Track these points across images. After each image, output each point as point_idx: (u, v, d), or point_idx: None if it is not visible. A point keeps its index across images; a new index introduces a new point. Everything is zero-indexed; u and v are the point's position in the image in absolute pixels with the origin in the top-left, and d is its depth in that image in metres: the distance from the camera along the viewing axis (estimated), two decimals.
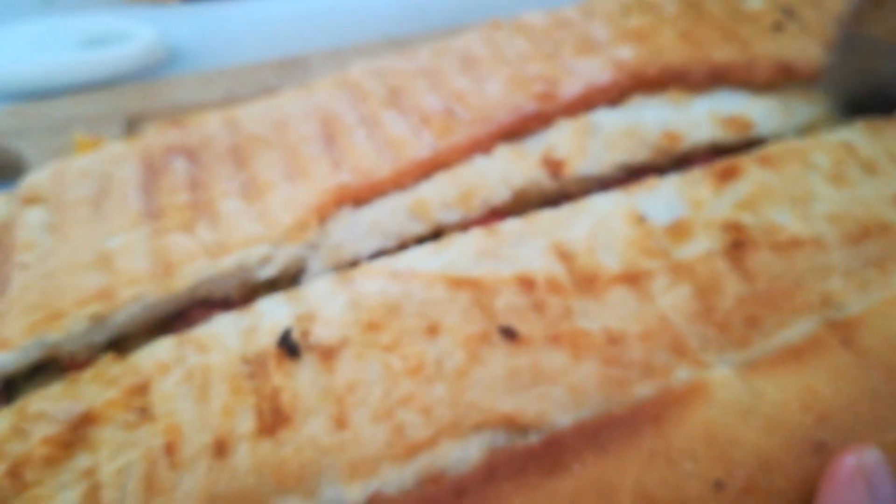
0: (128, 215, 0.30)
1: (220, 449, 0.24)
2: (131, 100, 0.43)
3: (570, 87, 0.34)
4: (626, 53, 0.35)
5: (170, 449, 0.24)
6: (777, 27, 0.36)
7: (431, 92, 0.34)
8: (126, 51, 0.45)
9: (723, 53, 0.35)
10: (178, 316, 0.29)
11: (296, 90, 0.36)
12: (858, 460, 0.24)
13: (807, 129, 0.34)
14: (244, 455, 0.24)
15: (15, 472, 0.24)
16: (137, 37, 0.45)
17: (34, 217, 0.31)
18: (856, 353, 0.26)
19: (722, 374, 0.26)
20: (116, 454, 0.24)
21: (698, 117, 0.33)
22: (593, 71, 0.34)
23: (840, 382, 0.26)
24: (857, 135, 0.32)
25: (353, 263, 0.29)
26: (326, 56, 0.46)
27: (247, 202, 0.30)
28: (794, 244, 0.28)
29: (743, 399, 0.25)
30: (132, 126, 0.42)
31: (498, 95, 0.34)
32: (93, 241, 0.29)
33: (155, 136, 0.34)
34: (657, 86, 0.34)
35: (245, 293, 0.29)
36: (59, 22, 0.47)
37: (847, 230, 0.29)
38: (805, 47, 0.35)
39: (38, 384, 0.27)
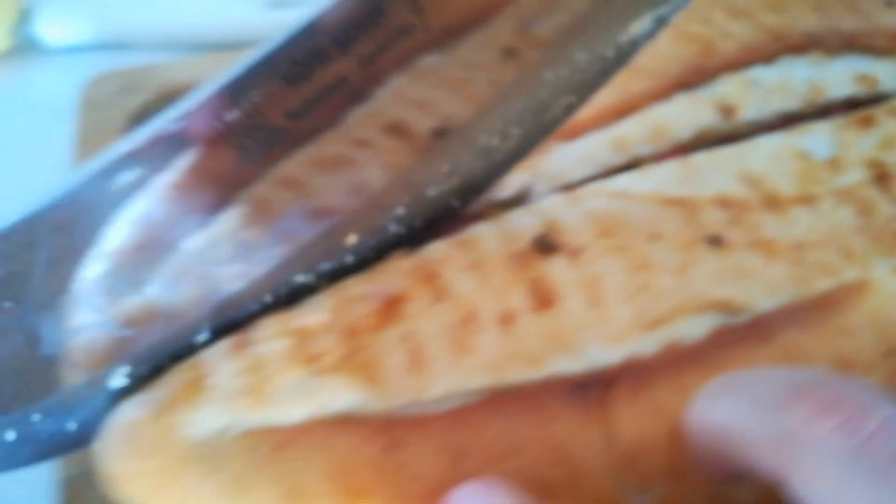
0: None
1: (505, 320, 0.31)
2: None
3: (729, 46, 0.41)
4: (771, 20, 0.42)
5: (467, 319, 0.31)
6: (889, 4, 0.44)
7: None
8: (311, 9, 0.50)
9: (849, 23, 0.42)
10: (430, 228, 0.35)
11: None
12: None
13: None
14: (524, 325, 0.31)
15: (350, 334, 0.31)
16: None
17: None
18: None
19: (880, 274, 0.33)
20: (428, 321, 0.31)
21: (835, 75, 0.40)
22: (746, 33, 0.41)
23: None
24: None
25: (568, 188, 0.36)
26: None
27: None
28: None
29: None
30: None
31: (668, 51, 0.40)
32: None
33: None
34: (799, 48, 0.41)
35: (482, 210, 0.36)
36: None
37: None
38: None
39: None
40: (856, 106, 0.40)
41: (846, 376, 0.23)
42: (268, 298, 0.31)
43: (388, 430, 0.29)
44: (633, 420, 0.30)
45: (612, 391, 0.30)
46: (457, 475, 0.28)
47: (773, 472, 0.21)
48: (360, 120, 0.30)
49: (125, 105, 0.47)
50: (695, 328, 0.31)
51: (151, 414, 0.29)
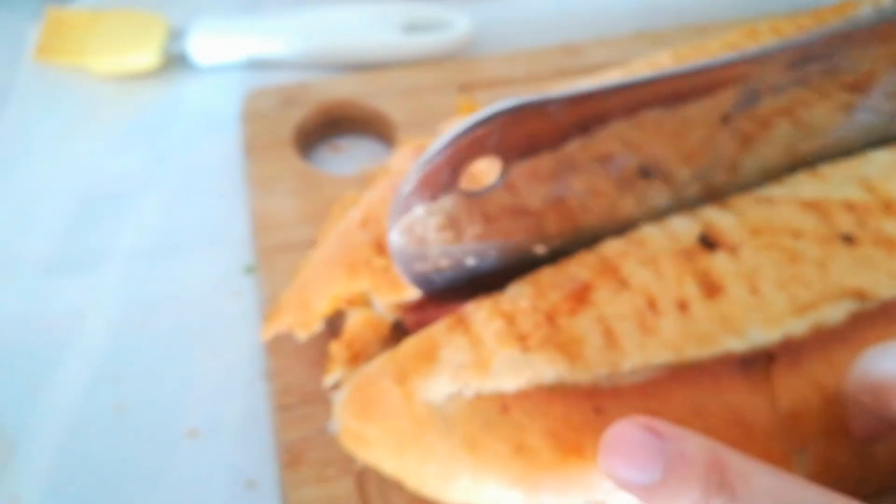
0: None
1: (682, 305, 0.36)
2: (455, 73, 0.55)
3: None
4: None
5: (650, 305, 0.36)
6: None
7: None
8: (445, 35, 0.56)
9: None
10: None
11: (617, 72, 0.48)
12: None
13: None
14: (698, 310, 0.36)
15: (549, 318, 0.36)
16: (455, 23, 0.57)
17: None
18: None
19: None
20: (615, 307, 0.36)
21: None
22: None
23: None
24: None
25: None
26: (597, 43, 0.58)
27: None
28: None
29: None
30: (461, 92, 0.54)
31: None
32: None
33: None
34: None
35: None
36: (383, 7, 0.58)
37: None
38: None
39: None
40: None
41: None
42: None
43: (592, 397, 0.34)
44: (792, 389, 0.35)
45: (772, 365, 0.35)
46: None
47: None
48: (576, 148, 0.35)
49: (289, 116, 0.52)
50: (836, 313, 0.37)
51: (393, 379, 0.34)
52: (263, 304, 0.44)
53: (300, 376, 0.39)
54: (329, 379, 0.37)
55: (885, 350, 0.32)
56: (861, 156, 0.43)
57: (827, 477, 0.35)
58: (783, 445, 0.34)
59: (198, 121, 0.56)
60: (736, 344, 0.36)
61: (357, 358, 0.37)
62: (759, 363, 0.35)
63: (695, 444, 0.27)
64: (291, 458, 0.37)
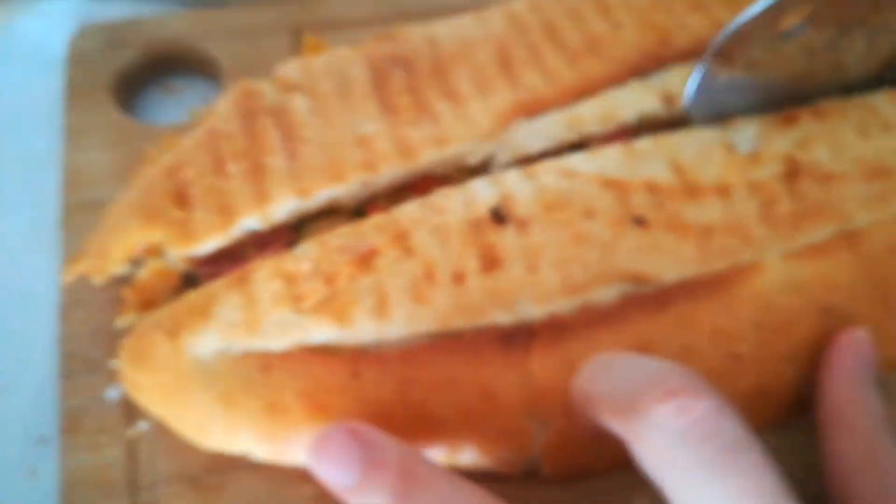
0: (370, 109, 0.42)
1: (458, 278, 0.38)
2: (292, 14, 0.53)
3: (683, 38, 0.46)
4: (724, 15, 0.46)
5: (428, 275, 0.38)
6: None
7: (577, 31, 0.46)
8: None
9: None
10: (410, 186, 0.42)
11: (470, 18, 0.47)
12: (854, 335, 0.38)
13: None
14: (473, 283, 0.38)
15: (329, 281, 0.38)
16: None
17: (299, 102, 0.43)
18: (856, 254, 0.41)
19: (772, 259, 0.40)
20: (394, 276, 0.38)
21: None
22: (700, 27, 0.46)
23: (845, 272, 0.40)
24: (882, 100, 0.45)
25: (527, 159, 0.42)
26: None
27: (454, 106, 0.43)
28: (828, 177, 0.42)
29: (783, 275, 0.40)
30: (295, 36, 0.53)
31: (630, 39, 0.45)
32: (350, 126, 0.41)
33: (373, 47, 0.45)
34: None
35: (454, 173, 0.42)
36: None
37: (863, 171, 0.42)
38: None
39: (318, 226, 0.41)
40: None
41: (687, 370, 0.30)
42: None
43: (353, 361, 0.36)
44: (546, 366, 0.37)
45: (533, 342, 0.37)
46: (404, 401, 0.36)
47: (623, 436, 0.29)
48: None
49: (113, 58, 0.50)
50: (608, 294, 0.38)
51: (165, 332, 0.36)
52: (63, 266, 0.43)
53: (85, 344, 0.41)
54: (120, 322, 0.39)
55: (598, 366, 0.33)
56: (686, 133, 0.43)
57: (563, 450, 0.38)
58: (526, 418, 0.37)
59: (26, 58, 0.54)
60: (503, 317, 0.38)
61: (148, 305, 0.39)
62: (521, 339, 0.38)
63: (392, 453, 0.30)
64: (70, 425, 0.39)
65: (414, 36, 0.46)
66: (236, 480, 0.38)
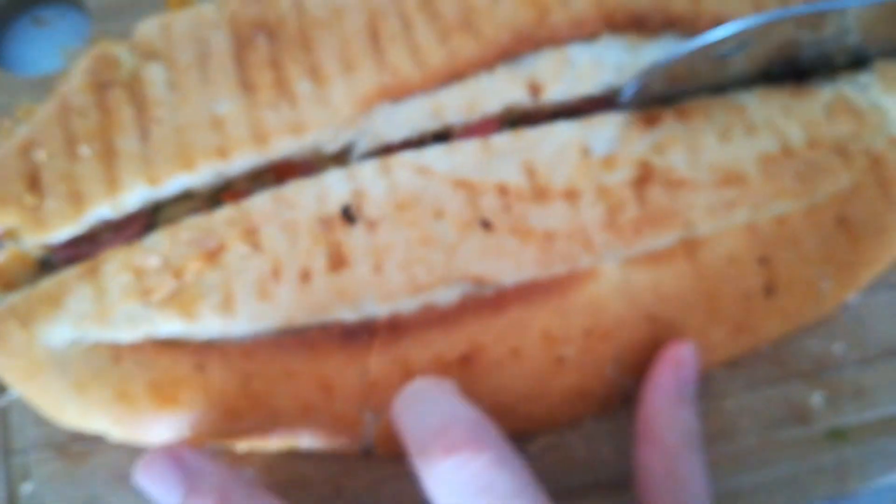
0: (229, 84, 0.42)
1: (305, 276, 0.40)
2: None
3: (561, 17, 0.45)
4: None
5: (274, 272, 0.40)
6: None
7: (455, 1, 0.45)
8: None
9: (679, 6, 0.46)
10: (266, 170, 0.42)
11: None
12: (678, 351, 0.40)
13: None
14: (319, 281, 0.40)
15: (177, 275, 0.39)
16: None
17: (157, 74, 0.42)
18: (693, 262, 0.43)
19: (609, 265, 0.42)
20: (240, 272, 0.40)
21: (642, 61, 0.45)
22: (580, 5, 0.45)
23: (678, 280, 0.43)
24: (752, 99, 0.45)
25: (388, 148, 0.43)
26: None
27: (315, 86, 0.42)
28: (679, 183, 0.43)
29: (619, 281, 0.42)
30: None
31: (506, 15, 0.44)
32: (206, 104, 0.41)
33: (238, 7, 0.43)
34: (622, 27, 0.45)
35: (312, 160, 0.43)
36: None
37: (717, 177, 0.43)
38: (736, 9, 0.47)
39: (173, 213, 0.42)
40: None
41: (476, 420, 0.33)
42: None
43: (199, 354, 0.39)
44: (382, 363, 0.40)
45: (373, 339, 0.40)
46: (246, 393, 0.39)
47: (420, 471, 0.33)
48: None
49: None
50: (449, 295, 0.41)
51: (19, 321, 0.38)
52: None
53: None
54: None
55: (409, 398, 0.36)
56: (545, 129, 0.43)
57: (393, 438, 0.42)
58: (359, 409, 0.40)
59: None
60: (347, 315, 0.40)
61: (6, 286, 0.40)
62: (362, 336, 0.40)
63: (211, 479, 0.33)
64: None
65: (281, 0, 0.44)
66: (101, 450, 0.41)
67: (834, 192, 0.45)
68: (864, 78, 0.47)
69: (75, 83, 0.41)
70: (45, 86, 0.44)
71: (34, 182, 0.40)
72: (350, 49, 0.43)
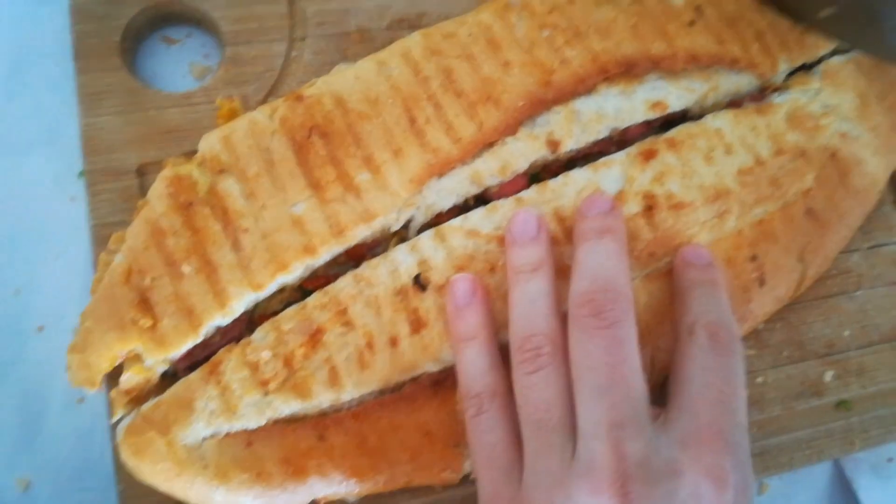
0: (298, 186, 0.47)
1: (393, 341, 0.46)
2: None
3: (563, 76, 0.51)
4: (598, 45, 0.52)
5: (368, 344, 0.46)
6: (691, 23, 0.54)
7: (472, 75, 0.51)
8: None
9: (658, 47, 0.53)
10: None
11: (371, 65, 0.50)
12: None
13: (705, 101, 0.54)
14: (405, 344, 0.46)
15: (287, 363, 0.45)
16: None
17: (232, 187, 0.46)
18: None
19: (634, 283, 0.50)
20: (340, 349, 0.46)
21: (636, 104, 0.52)
22: (577, 62, 0.51)
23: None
24: (726, 123, 0.53)
25: (439, 216, 0.49)
26: None
27: (373, 175, 0.48)
28: (679, 206, 0.51)
29: (641, 293, 0.50)
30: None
31: (516, 82, 0.51)
32: (283, 208, 0.46)
33: (286, 112, 0.48)
34: (614, 76, 0.52)
35: (379, 238, 0.49)
36: None
37: (707, 195, 0.52)
38: (706, 42, 0.54)
39: (266, 305, 0.47)
40: (651, 125, 0.53)
41: None
42: None
43: (317, 425, 0.46)
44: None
45: (456, 383, 0.47)
46: (363, 451, 0.46)
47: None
48: None
49: (116, 15, 0.53)
50: (505, 335, 0.48)
51: (157, 431, 0.44)
52: (92, 234, 0.50)
53: None
54: (113, 419, 0.46)
55: None
56: (563, 179, 0.50)
57: None
58: (455, 443, 0.48)
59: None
60: (432, 367, 0.47)
61: (135, 401, 0.45)
62: (447, 382, 0.48)
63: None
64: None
65: (323, 98, 0.49)
66: None
67: (801, 189, 0.54)
68: (815, 83, 0.56)
69: (160, 208, 0.46)
70: (187, 100, 0.53)
71: (146, 306, 0.44)
72: (394, 136, 0.49)
